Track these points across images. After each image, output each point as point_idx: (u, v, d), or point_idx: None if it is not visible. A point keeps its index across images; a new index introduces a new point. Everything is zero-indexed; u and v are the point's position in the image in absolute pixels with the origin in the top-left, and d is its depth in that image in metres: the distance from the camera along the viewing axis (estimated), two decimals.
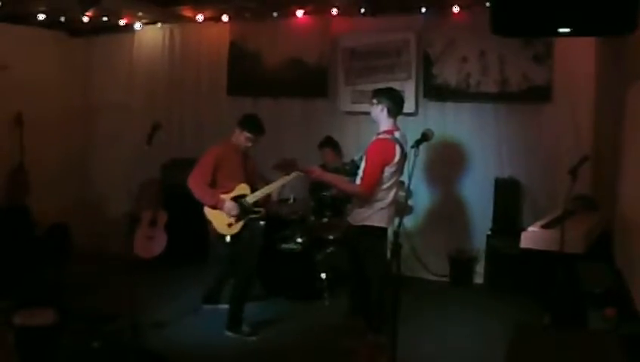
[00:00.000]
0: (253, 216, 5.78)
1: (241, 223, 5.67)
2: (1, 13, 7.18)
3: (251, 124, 5.79)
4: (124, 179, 8.39)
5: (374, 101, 5.31)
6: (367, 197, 5.17)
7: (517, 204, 6.99)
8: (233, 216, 5.62)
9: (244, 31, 8.12)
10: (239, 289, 5.80)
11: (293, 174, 5.51)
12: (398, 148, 5.14)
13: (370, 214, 5.20)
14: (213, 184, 5.66)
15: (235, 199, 5.67)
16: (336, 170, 6.22)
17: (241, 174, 5.80)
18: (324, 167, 6.39)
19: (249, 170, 5.92)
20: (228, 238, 5.70)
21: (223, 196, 5.64)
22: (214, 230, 5.73)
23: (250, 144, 5.79)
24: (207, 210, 5.71)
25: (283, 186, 5.82)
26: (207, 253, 7.32)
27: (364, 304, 5.44)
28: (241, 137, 5.75)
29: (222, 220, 5.66)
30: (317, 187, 6.73)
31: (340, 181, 5.55)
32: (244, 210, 5.68)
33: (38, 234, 7.70)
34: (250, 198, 5.73)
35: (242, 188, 5.74)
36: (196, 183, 5.61)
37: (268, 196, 5.93)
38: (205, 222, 5.76)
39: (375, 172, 5.11)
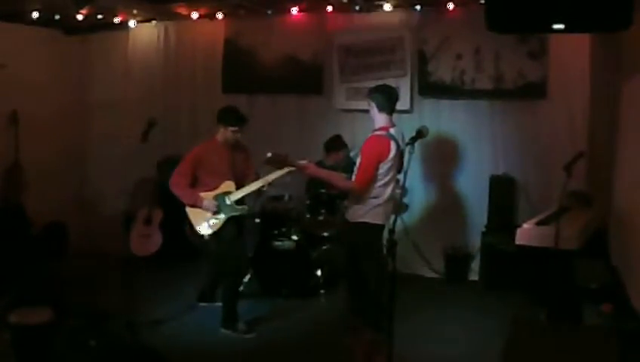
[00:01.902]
0: (235, 213, 5.75)
1: (220, 222, 5.66)
2: None
3: (231, 117, 5.75)
4: (120, 177, 8.37)
5: (368, 101, 5.35)
6: (361, 194, 5.18)
7: (512, 201, 7.00)
8: (213, 215, 5.63)
9: (238, 28, 8.11)
10: (229, 287, 5.81)
11: (285, 169, 5.50)
12: (393, 145, 5.15)
13: (366, 211, 5.21)
14: (195, 182, 5.68)
15: (218, 197, 5.67)
16: (332, 168, 6.23)
17: (227, 171, 5.76)
18: (320, 163, 6.39)
19: (238, 164, 5.87)
20: (206, 236, 5.69)
21: (203, 194, 5.65)
22: (192, 230, 5.72)
23: (238, 135, 5.77)
24: (188, 209, 5.72)
25: (274, 181, 5.72)
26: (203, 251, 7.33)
27: (361, 301, 5.45)
28: (227, 133, 5.73)
29: (202, 219, 5.67)
30: (313, 184, 6.73)
31: (334, 177, 5.54)
32: (224, 208, 5.67)
33: (34, 233, 7.69)
34: (234, 195, 5.71)
35: (227, 186, 5.72)
36: (175, 183, 5.66)
37: (258, 191, 5.89)
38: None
39: (369, 168, 5.12)
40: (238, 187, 5.75)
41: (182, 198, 5.68)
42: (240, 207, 5.75)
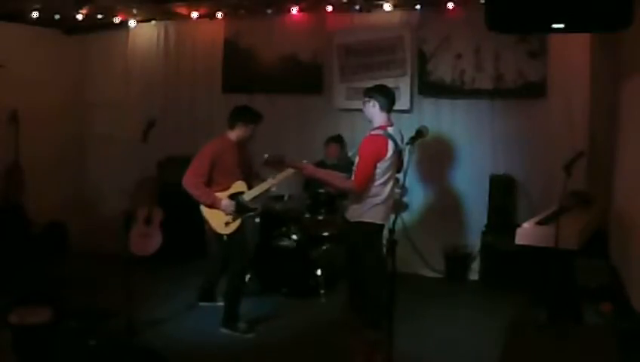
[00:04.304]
0: (250, 213, 5.77)
1: (238, 221, 5.66)
2: None
3: (252, 115, 5.80)
4: (120, 176, 8.35)
5: (366, 99, 5.34)
6: (360, 193, 5.18)
7: (512, 201, 7.00)
8: (230, 215, 5.62)
9: (238, 28, 8.10)
10: (233, 286, 5.78)
11: (291, 170, 5.51)
12: (390, 144, 5.15)
13: (365, 210, 5.21)
14: (209, 182, 5.63)
15: (232, 197, 5.66)
16: (333, 167, 6.23)
17: (237, 170, 5.76)
18: (320, 163, 6.39)
19: (245, 163, 5.89)
20: (225, 237, 5.69)
21: (219, 194, 5.62)
22: (211, 229, 5.72)
23: (252, 133, 5.82)
24: (205, 209, 5.68)
25: (281, 180, 5.74)
26: (204, 251, 7.33)
27: (361, 301, 5.45)
28: (247, 131, 5.75)
29: (219, 219, 5.64)
30: (312, 184, 6.73)
31: (333, 177, 5.54)
32: (241, 208, 5.66)
33: (34, 233, 7.69)
34: (248, 196, 5.71)
35: (239, 186, 5.71)
36: (192, 183, 5.56)
37: (265, 192, 5.90)
38: (201, 220, 5.76)
39: (367, 168, 5.12)
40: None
41: (199, 199, 5.60)
42: (254, 207, 5.76)
